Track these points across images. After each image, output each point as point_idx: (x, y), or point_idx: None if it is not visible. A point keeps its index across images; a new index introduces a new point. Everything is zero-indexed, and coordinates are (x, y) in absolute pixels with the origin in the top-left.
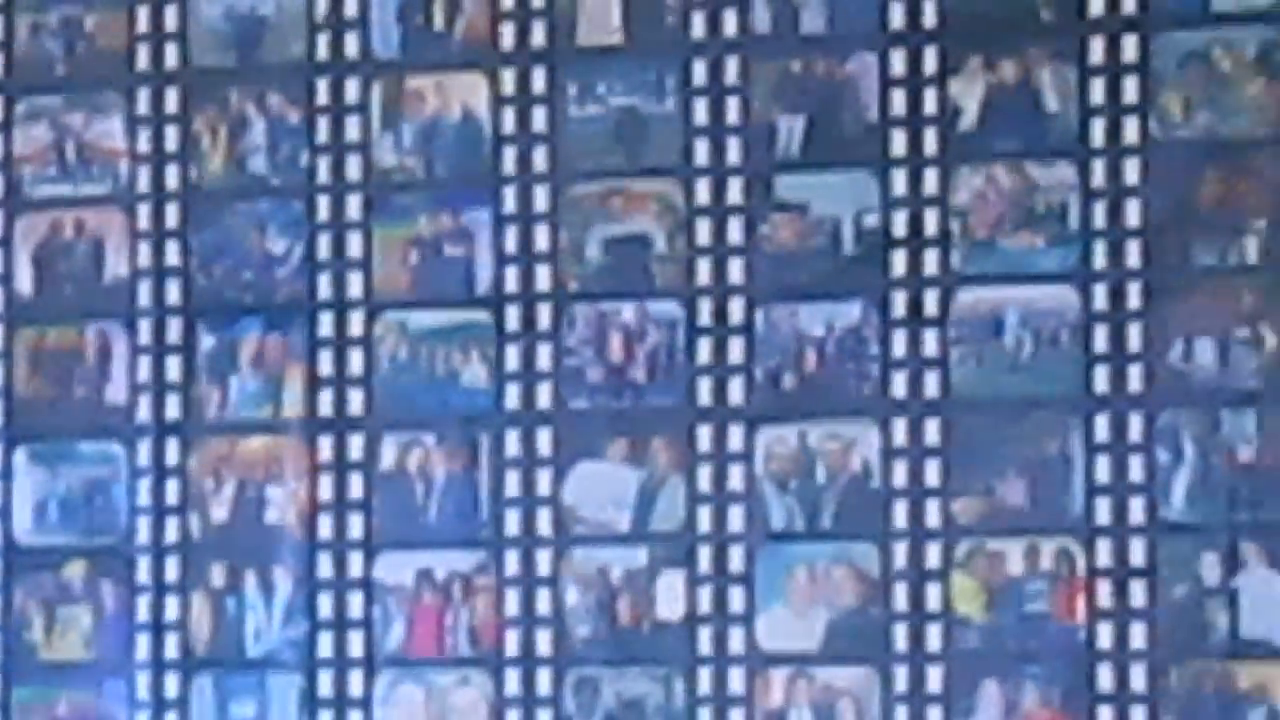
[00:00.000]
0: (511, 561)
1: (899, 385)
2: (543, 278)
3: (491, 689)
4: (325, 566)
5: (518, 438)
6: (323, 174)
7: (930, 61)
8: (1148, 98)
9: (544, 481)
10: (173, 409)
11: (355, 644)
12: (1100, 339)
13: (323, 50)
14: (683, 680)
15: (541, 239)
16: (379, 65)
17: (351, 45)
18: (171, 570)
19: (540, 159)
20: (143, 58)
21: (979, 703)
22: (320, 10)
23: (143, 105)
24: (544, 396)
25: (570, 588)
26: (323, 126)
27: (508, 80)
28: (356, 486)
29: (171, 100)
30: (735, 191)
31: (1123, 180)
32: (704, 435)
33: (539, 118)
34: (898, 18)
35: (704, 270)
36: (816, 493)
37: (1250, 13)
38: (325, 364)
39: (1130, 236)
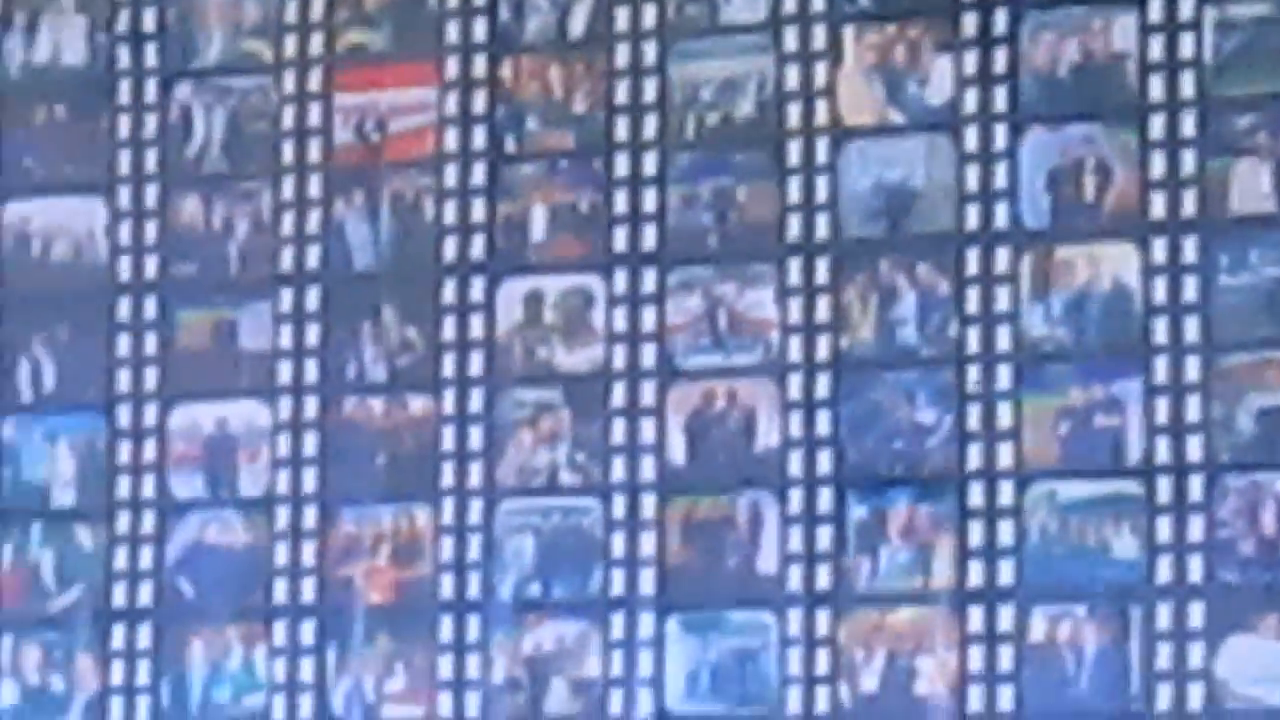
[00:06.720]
0: None
1: None
2: (1194, 448)
3: None
4: None
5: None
6: (972, 344)
7: None
8: None
9: (1195, 655)
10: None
11: None
12: None
13: (972, 220)
14: None
15: (1193, 410)
16: (1029, 235)
17: (1001, 216)
18: None
19: (1191, 329)
20: (794, 228)
21: None
22: (970, 181)
23: (794, 275)
24: (1195, 570)
25: None
26: (972, 297)
27: (1158, 250)
28: (1006, 658)
29: (822, 270)
30: None
31: None
32: None
33: (1189, 287)
34: None
35: None
36: None
37: None
38: (975, 535)
39: None
